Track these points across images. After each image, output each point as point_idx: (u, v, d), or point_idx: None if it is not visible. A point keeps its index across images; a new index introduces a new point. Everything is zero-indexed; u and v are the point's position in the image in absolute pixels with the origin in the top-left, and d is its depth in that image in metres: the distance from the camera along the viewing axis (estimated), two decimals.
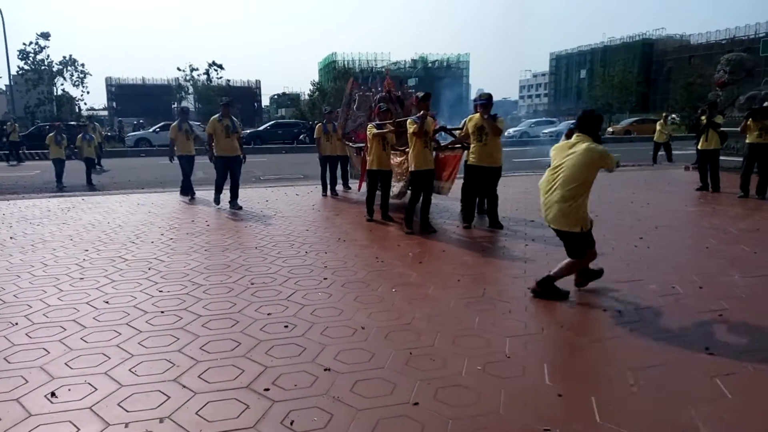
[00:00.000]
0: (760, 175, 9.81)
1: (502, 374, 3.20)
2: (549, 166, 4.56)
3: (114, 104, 70.09)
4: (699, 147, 10.93)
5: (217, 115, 9.50)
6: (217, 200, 9.69)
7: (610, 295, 4.61)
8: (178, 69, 60.98)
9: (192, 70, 51.05)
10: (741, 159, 10.88)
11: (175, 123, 11.09)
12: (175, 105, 60.78)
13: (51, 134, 14.29)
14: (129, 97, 68.78)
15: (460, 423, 2.70)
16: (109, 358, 3.49)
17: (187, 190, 10.94)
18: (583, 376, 3.20)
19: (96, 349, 3.63)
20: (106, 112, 65.79)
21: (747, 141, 10.12)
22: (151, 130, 32.86)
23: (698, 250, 6.18)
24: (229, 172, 9.56)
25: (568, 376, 3.18)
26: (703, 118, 10.92)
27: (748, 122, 9.91)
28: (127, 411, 2.85)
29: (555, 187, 4.42)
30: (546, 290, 4.54)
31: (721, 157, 11.13)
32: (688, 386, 3.04)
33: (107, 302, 4.57)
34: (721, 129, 10.70)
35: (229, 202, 9.52)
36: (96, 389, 3.08)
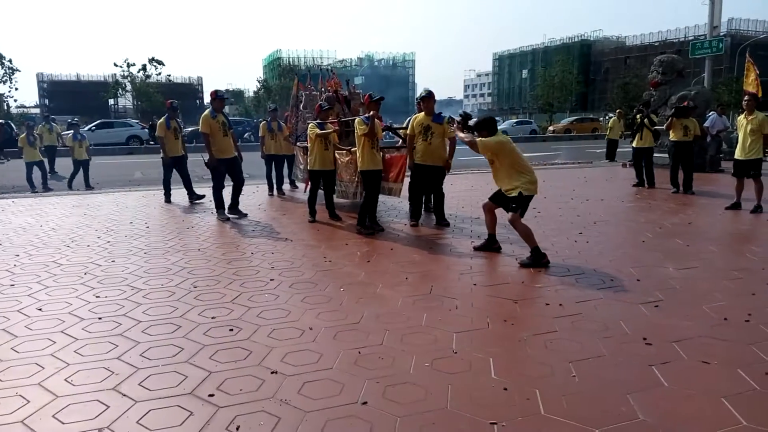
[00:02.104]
0: (684, 172, 10.30)
1: (450, 370, 3.23)
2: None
3: (46, 101, 67.06)
4: (634, 145, 11.40)
5: (208, 111, 8.15)
6: (223, 212, 8.32)
7: (552, 289, 4.74)
8: (115, 65, 58.96)
9: (129, 65, 49.30)
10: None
11: (162, 120, 9.86)
12: (113, 102, 58.58)
13: (23, 135, 13.33)
14: (62, 94, 65.99)
15: (409, 420, 2.71)
16: (43, 368, 3.32)
17: (169, 195, 10.14)
18: (528, 369, 3.27)
19: (28, 359, 3.44)
20: (38, 110, 62.75)
21: (671, 139, 10.62)
22: (86, 128, 31.57)
23: (635, 244, 6.42)
24: (230, 176, 8.40)
25: (513, 370, 3.24)
26: (638, 116, 11.38)
27: (674, 120, 10.40)
28: (63, 423, 2.72)
29: None
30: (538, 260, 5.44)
31: (655, 154, 11.65)
32: (627, 376, 3.15)
33: (40, 309, 4.35)
34: (655, 127, 11.20)
35: (230, 208, 8.46)
36: (28, 401, 2.93)
